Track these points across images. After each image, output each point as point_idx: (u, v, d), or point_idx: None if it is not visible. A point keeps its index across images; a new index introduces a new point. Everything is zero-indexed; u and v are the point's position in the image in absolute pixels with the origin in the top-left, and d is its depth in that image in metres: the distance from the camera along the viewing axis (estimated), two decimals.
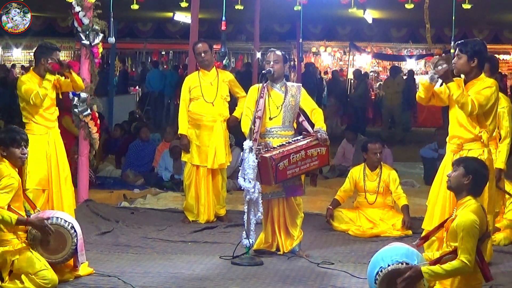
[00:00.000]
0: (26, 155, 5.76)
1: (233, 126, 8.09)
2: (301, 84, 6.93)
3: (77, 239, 5.67)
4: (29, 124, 6.87)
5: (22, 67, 23.59)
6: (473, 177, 5.07)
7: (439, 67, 5.62)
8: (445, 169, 5.80)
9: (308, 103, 6.77)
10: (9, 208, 5.45)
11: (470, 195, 5.08)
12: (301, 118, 6.79)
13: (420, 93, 5.88)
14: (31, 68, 7.23)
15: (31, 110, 6.87)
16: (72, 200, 7.14)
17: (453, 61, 5.69)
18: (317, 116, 6.69)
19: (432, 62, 5.73)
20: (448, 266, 4.85)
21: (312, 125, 6.71)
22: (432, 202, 5.95)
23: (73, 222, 5.75)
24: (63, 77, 6.97)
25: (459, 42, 5.81)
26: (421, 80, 5.97)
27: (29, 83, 6.85)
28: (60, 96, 7.20)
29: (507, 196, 7.35)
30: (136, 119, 15.09)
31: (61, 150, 7.05)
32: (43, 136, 6.83)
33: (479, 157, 5.59)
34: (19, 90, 6.90)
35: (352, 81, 22.70)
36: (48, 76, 6.81)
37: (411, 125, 19.15)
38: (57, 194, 6.95)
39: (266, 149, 6.38)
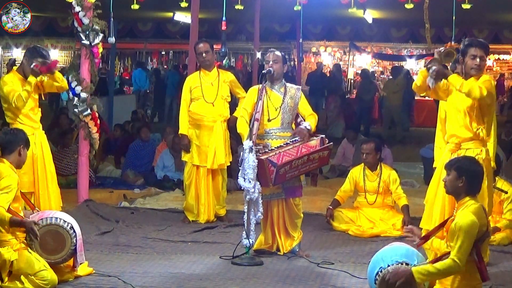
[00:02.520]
0: None
1: (234, 126, 8.09)
2: (300, 87, 6.93)
3: (76, 240, 5.66)
4: (15, 125, 6.76)
5: None
6: (467, 178, 5.07)
7: (431, 71, 5.62)
8: (443, 168, 5.80)
9: (305, 108, 6.77)
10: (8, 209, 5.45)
11: (469, 196, 5.08)
12: (299, 118, 6.78)
13: (417, 81, 5.88)
14: (14, 67, 7.15)
15: (15, 111, 6.80)
16: (59, 201, 7.09)
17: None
18: (310, 119, 6.70)
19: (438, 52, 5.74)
20: (438, 264, 4.85)
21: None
22: (430, 201, 5.95)
23: (72, 222, 5.74)
24: (46, 78, 6.88)
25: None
26: (421, 69, 5.96)
27: (11, 84, 6.76)
28: (43, 98, 7.14)
29: (503, 196, 7.35)
30: (138, 119, 15.09)
31: (47, 151, 6.98)
32: (30, 137, 6.71)
33: (476, 157, 5.59)
34: (1, 91, 6.81)
35: (352, 81, 22.72)
36: (30, 78, 6.72)
37: (409, 125, 19.11)
38: (43, 196, 6.86)
39: (264, 151, 6.38)
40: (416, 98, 19.23)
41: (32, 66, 6.69)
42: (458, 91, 5.63)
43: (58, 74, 6.96)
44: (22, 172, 6.35)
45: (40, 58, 6.77)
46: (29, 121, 6.86)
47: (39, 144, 6.90)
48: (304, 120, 6.75)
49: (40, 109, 7.06)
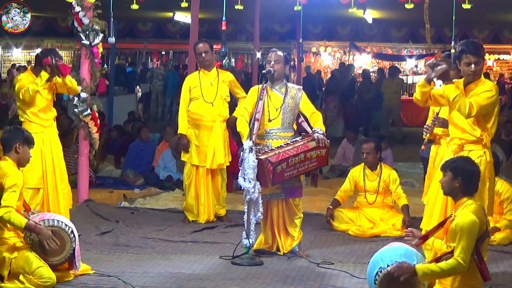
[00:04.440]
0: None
1: (233, 126, 8.09)
2: (301, 87, 6.93)
3: (75, 244, 5.67)
4: (25, 123, 6.88)
5: (24, 67, 23.61)
6: (462, 178, 5.08)
7: (438, 67, 5.60)
8: None
9: (307, 107, 6.77)
10: None
11: (467, 196, 5.09)
12: (301, 119, 6.79)
13: (417, 95, 5.89)
14: (29, 67, 7.23)
15: (25, 109, 6.88)
16: (69, 199, 7.12)
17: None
18: (316, 118, 6.69)
19: (429, 64, 5.71)
20: (442, 264, 4.86)
21: (312, 127, 6.71)
22: (431, 202, 5.94)
23: (73, 227, 5.75)
24: (59, 78, 6.95)
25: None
26: (418, 82, 5.99)
27: (23, 81, 6.88)
28: (55, 98, 7.19)
29: (503, 196, 7.36)
30: (135, 119, 15.10)
31: (57, 149, 7.04)
32: (39, 135, 6.77)
33: (479, 158, 5.59)
34: (15, 88, 6.95)
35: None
36: (42, 73, 6.81)
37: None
38: (52, 193, 6.92)
39: (263, 151, 6.38)
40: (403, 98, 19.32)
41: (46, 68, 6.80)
42: (451, 102, 5.63)
43: (69, 80, 7.00)
44: (30, 167, 6.42)
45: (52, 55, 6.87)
46: (38, 119, 6.94)
47: (48, 142, 6.98)
48: (307, 120, 6.75)
49: (54, 109, 7.11)
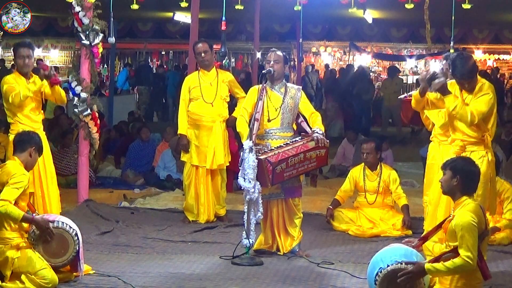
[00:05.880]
0: None
1: (234, 126, 8.09)
2: (301, 87, 6.93)
3: (78, 246, 5.68)
4: (14, 124, 6.81)
5: None
6: (461, 177, 5.08)
7: (436, 81, 5.64)
8: None
9: (306, 107, 6.76)
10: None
11: (465, 195, 5.09)
12: (300, 119, 6.78)
13: (413, 104, 6.01)
14: (16, 68, 7.17)
15: (14, 110, 6.82)
16: (58, 201, 7.09)
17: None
18: (315, 119, 6.69)
19: (422, 79, 5.80)
20: (450, 263, 4.86)
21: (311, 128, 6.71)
22: (434, 203, 5.93)
23: (77, 229, 5.76)
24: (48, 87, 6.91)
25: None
26: (413, 93, 6.06)
27: (11, 83, 6.79)
28: (43, 102, 7.15)
29: (503, 196, 7.37)
30: (135, 119, 15.10)
31: (46, 152, 6.99)
32: None
33: (481, 159, 5.59)
34: (2, 89, 6.86)
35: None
36: (35, 79, 6.76)
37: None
38: (43, 196, 6.88)
39: (263, 151, 6.38)
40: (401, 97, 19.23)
41: (41, 73, 6.73)
42: (452, 113, 5.66)
43: (58, 90, 6.96)
44: None
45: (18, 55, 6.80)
46: (29, 121, 6.87)
47: None
48: (306, 120, 6.75)
49: (42, 111, 7.08)
